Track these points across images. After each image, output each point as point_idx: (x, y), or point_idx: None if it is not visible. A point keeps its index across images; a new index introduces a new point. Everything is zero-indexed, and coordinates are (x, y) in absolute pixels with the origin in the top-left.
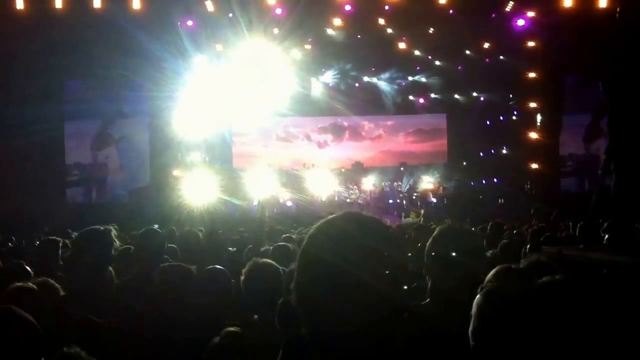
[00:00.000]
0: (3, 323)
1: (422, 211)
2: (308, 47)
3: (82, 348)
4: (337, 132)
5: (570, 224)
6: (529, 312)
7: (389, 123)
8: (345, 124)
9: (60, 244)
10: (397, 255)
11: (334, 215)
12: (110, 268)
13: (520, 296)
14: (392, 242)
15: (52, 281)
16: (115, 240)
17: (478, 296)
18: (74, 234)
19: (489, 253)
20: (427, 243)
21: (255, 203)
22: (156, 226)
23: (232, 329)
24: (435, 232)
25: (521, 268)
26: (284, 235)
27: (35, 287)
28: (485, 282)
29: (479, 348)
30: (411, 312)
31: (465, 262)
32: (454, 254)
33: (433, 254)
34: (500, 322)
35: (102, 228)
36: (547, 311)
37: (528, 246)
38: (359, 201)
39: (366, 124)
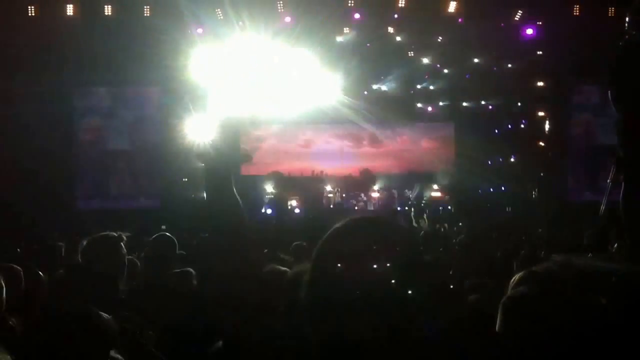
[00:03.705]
0: (80, 326)
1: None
2: (317, 54)
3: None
4: (354, 139)
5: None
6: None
7: (396, 131)
8: (357, 132)
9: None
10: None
11: (344, 221)
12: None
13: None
14: (401, 240)
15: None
16: (124, 248)
17: (504, 299)
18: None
19: None
20: None
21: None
22: (163, 227)
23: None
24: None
25: (544, 274)
26: (295, 243)
27: None
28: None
29: (505, 349)
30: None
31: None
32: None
33: None
34: (526, 328)
35: (115, 234)
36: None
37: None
38: (368, 208)
39: (374, 131)
